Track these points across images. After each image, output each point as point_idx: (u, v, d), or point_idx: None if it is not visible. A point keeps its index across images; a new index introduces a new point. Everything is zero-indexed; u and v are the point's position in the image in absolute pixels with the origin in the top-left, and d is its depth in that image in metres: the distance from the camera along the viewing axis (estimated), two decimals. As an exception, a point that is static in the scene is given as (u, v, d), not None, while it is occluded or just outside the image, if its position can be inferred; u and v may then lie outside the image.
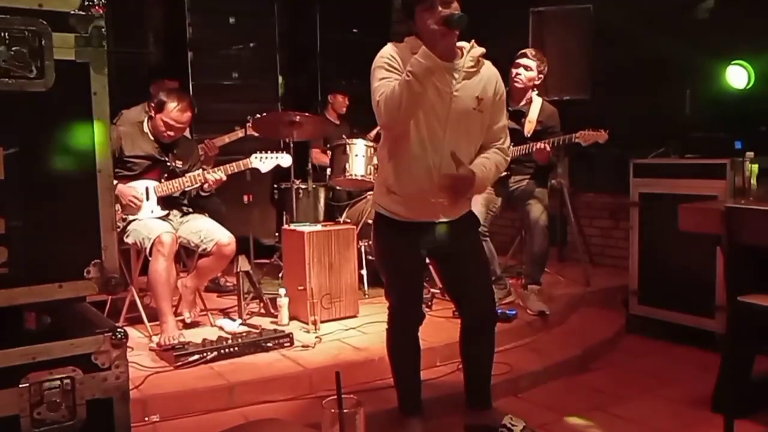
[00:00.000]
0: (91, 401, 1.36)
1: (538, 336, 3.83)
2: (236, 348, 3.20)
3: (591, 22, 4.78)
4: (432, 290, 4.13)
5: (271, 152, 3.96)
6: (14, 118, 1.31)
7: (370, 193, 4.40)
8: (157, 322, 3.44)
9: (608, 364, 3.70)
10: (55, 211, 1.36)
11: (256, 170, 3.95)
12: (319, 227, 3.95)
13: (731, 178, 3.63)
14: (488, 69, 2.48)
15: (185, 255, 3.84)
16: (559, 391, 3.29)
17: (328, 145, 4.89)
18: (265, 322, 3.74)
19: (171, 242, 3.38)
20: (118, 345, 1.38)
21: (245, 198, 4.75)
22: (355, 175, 4.37)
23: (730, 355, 2.83)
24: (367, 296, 4.25)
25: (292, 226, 4.06)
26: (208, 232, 3.55)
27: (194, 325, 3.69)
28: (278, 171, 4.18)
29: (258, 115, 4.39)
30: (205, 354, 3.11)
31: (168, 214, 3.66)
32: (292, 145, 4.29)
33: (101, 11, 1.36)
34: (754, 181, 3.30)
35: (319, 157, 5.33)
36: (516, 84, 3.93)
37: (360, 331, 3.65)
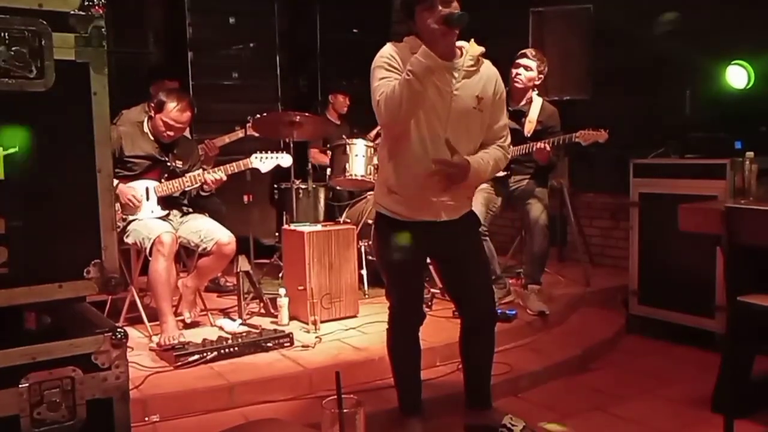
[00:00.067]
0: (91, 401, 1.36)
1: (538, 336, 3.83)
2: (236, 348, 3.20)
3: (591, 22, 4.77)
4: (432, 290, 4.12)
5: (271, 152, 3.96)
6: (14, 118, 1.31)
7: (370, 193, 4.41)
8: (157, 322, 3.45)
9: (608, 364, 3.70)
10: (55, 211, 1.36)
11: (256, 170, 3.95)
12: (319, 227, 3.95)
13: (731, 178, 3.63)
14: (488, 68, 2.48)
15: (185, 255, 3.84)
16: (559, 391, 3.29)
17: (328, 145, 4.89)
18: (265, 322, 3.74)
19: (171, 242, 3.38)
20: (118, 345, 1.38)
21: (245, 198, 4.75)
22: (355, 175, 4.37)
23: (730, 355, 2.83)
24: (367, 296, 4.25)
25: (292, 226, 4.06)
26: (208, 231, 3.55)
27: (194, 325, 3.69)
28: (278, 171, 4.18)
29: (258, 115, 4.39)
30: (205, 354, 3.11)
31: (168, 214, 3.66)
32: (292, 145, 4.29)
33: (101, 11, 1.36)
34: (753, 181, 3.29)
35: (317, 156, 5.34)
36: (516, 84, 3.93)
37: (360, 331, 3.65)
